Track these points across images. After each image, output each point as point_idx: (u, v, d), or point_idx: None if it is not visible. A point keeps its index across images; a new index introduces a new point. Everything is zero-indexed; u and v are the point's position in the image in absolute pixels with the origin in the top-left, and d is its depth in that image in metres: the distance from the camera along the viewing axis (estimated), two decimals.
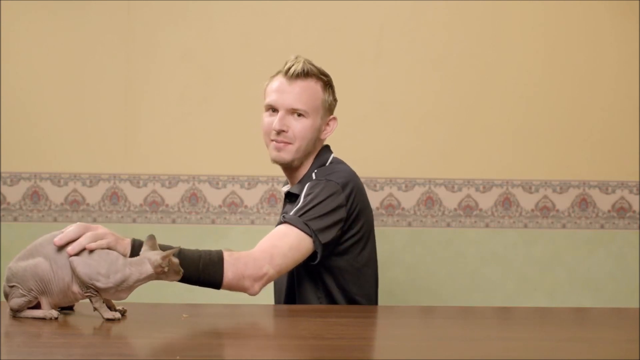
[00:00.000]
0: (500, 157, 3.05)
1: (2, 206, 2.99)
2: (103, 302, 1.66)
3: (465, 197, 3.04)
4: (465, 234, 3.04)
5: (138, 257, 1.66)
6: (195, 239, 2.97)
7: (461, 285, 3.04)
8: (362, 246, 2.12)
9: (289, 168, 2.18)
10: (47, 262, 1.65)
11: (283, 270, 1.94)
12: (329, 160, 2.18)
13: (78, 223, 1.70)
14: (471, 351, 1.50)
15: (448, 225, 3.04)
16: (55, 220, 3.00)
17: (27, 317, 1.66)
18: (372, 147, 3.02)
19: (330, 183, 2.05)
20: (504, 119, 3.04)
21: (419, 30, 3.03)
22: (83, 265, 1.63)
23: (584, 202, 3.06)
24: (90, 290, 1.63)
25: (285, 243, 1.94)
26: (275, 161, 2.16)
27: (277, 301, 2.25)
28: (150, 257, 1.65)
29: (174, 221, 3.02)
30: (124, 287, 1.65)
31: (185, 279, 1.80)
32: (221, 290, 1.87)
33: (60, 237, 1.66)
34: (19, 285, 1.65)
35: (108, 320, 1.65)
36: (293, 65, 2.13)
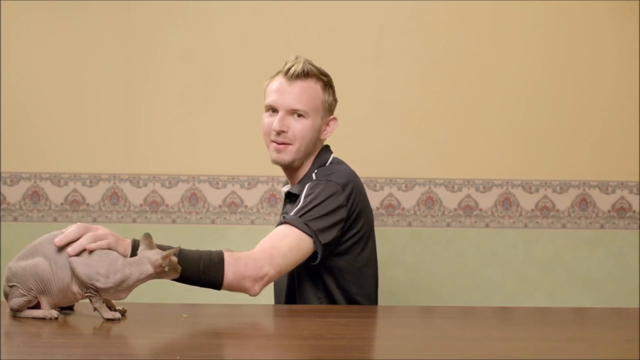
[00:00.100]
0: (500, 157, 3.05)
1: (2, 206, 2.99)
2: (103, 302, 1.66)
3: (465, 197, 3.04)
4: (465, 234, 3.04)
5: (137, 257, 1.66)
6: (195, 239, 2.97)
7: (461, 285, 3.04)
8: (362, 246, 2.12)
9: (289, 168, 2.18)
10: (47, 262, 1.65)
11: (283, 270, 1.94)
12: (329, 161, 2.18)
13: (78, 224, 1.70)
14: (471, 351, 1.50)
15: (448, 225, 3.04)
16: (55, 220, 3.00)
17: (27, 317, 1.66)
18: (372, 147, 3.02)
19: (331, 183, 2.05)
20: (504, 119, 3.04)
21: (419, 30, 3.03)
22: (83, 265, 1.63)
23: (584, 202, 3.06)
24: (90, 290, 1.63)
25: (285, 243, 1.94)
26: (275, 162, 2.16)
27: (277, 301, 2.25)
28: (150, 257, 1.65)
29: (174, 221, 3.02)
30: (124, 287, 1.65)
31: (185, 280, 1.80)
32: (221, 291, 1.87)
33: (60, 238, 1.65)
34: (18, 285, 1.65)
35: (108, 320, 1.65)
36: (293, 65, 2.13)
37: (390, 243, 3.02)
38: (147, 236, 1.69)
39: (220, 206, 3.03)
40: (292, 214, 2.01)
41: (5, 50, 2.99)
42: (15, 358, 1.36)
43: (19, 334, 1.57)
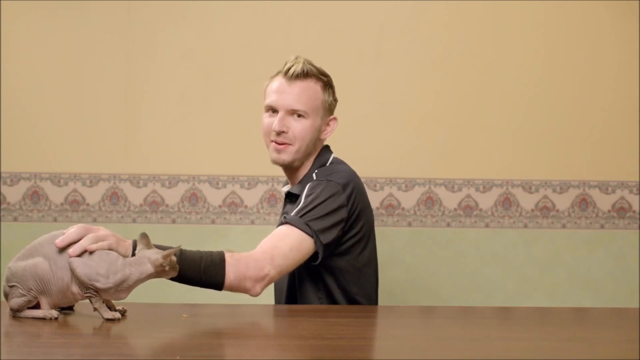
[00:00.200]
0: (500, 157, 3.05)
1: (2, 206, 2.99)
2: (103, 302, 1.66)
3: (465, 197, 3.04)
4: (465, 234, 3.04)
5: (136, 256, 1.66)
6: (195, 239, 2.97)
7: (461, 285, 3.04)
8: (362, 246, 2.12)
9: (290, 168, 2.18)
10: (47, 262, 1.65)
11: (284, 271, 1.94)
12: (330, 161, 2.18)
13: (79, 225, 1.69)
14: (471, 351, 1.50)
15: (448, 225, 3.04)
16: (55, 220, 3.00)
17: (27, 317, 1.66)
18: (372, 147, 3.02)
19: (331, 183, 2.05)
20: (504, 119, 3.04)
21: (419, 30, 3.03)
22: (83, 266, 1.63)
23: (584, 202, 3.06)
24: (90, 290, 1.63)
25: (286, 244, 1.94)
26: (275, 163, 2.16)
27: (277, 301, 2.25)
28: (150, 257, 1.65)
29: (174, 221, 3.02)
30: (124, 287, 1.65)
31: (186, 281, 1.80)
32: (222, 291, 1.87)
33: (61, 239, 1.65)
34: (18, 285, 1.65)
35: (108, 320, 1.65)
36: (293, 65, 2.13)
37: (390, 243, 3.02)
38: (144, 236, 1.69)
39: (220, 206, 3.03)
40: (292, 214, 2.01)
41: (5, 50, 2.99)
42: (15, 358, 1.36)
43: (19, 334, 1.57)
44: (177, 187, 3.02)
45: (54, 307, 1.67)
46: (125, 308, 1.72)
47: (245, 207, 3.03)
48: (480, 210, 3.05)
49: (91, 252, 1.65)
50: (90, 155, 3.01)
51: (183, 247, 1.79)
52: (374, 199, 3.00)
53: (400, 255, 3.03)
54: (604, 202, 3.06)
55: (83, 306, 1.75)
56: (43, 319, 1.65)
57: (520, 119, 3.04)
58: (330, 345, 1.51)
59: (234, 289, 1.86)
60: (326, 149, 2.22)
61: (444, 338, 1.64)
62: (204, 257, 1.82)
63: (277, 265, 1.90)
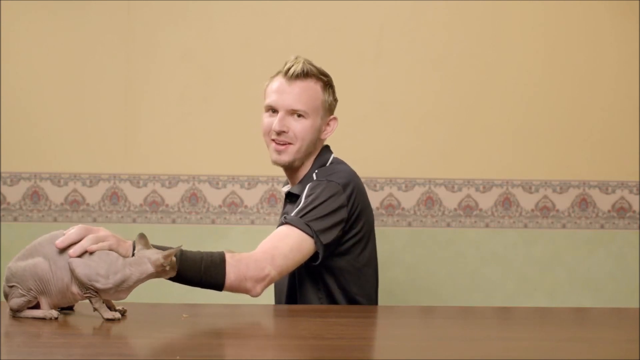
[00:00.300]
0: (500, 157, 3.05)
1: (2, 206, 2.99)
2: (103, 302, 1.66)
3: (465, 197, 3.04)
4: (465, 234, 3.04)
5: (136, 257, 1.66)
6: (195, 239, 2.97)
7: (461, 285, 3.04)
8: (362, 246, 2.12)
9: (290, 168, 2.18)
10: (47, 262, 1.65)
11: (285, 271, 1.94)
12: (330, 161, 2.18)
13: (80, 225, 1.69)
14: (471, 351, 1.50)
15: (448, 225, 3.04)
16: (55, 220, 3.00)
17: (27, 317, 1.66)
18: (372, 147, 3.02)
19: (332, 184, 2.05)
20: (504, 119, 3.04)
21: (419, 30, 3.03)
22: (82, 266, 1.62)
23: (584, 202, 3.06)
24: (90, 291, 1.63)
25: (286, 244, 1.94)
26: (276, 163, 2.16)
27: (277, 302, 2.25)
28: (150, 257, 1.65)
29: (174, 221, 3.02)
30: (124, 288, 1.65)
31: (187, 281, 1.80)
32: (222, 292, 1.87)
33: (62, 240, 1.65)
34: (18, 285, 1.65)
35: (108, 320, 1.65)
36: (293, 65, 2.12)
37: (390, 243, 3.02)
38: (143, 236, 1.69)
39: (220, 206, 3.03)
40: (293, 214, 2.01)
41: (5, 50, 2.99)
42: (15, 358, 1.36)
43: (19, 334, 1.57)
44: (177, 187, 3.02)
45: (53, 307, 1.67)
46: (125, 308, 1.72)
47: (245, 207, 3.03)
48: (480, 210, 3.05)
49: (91, 253, 1.65)
50: (90, 155, 3.01)
51: (183, 248, 1.79)
52: (374, 199, 3.00)
53: (400, 255, 3.03)
54: (604, 202, 3.06)
55: (83, 306, 1.75)
56: (43, 319, 1.65)
57: (520, 119, 3.04)
58: (330, 345, 1.51)
59: (234, 289, 1.86)
60: (326, 149, 2.22)
61: (444, 338, 1.64)
62: (205, 257, 1.82)
63: (277, 266, 1.90)
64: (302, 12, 3.02)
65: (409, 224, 3.04)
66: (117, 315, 1.67)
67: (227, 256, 1.84)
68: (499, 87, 3.04)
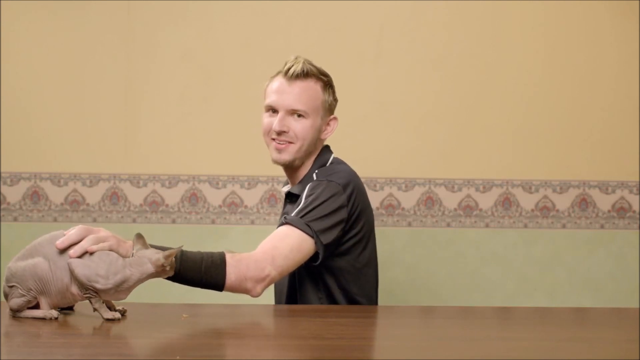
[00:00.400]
0: (500, 157, 3.05)
1: (2, 206, 2.99)
2: (103, 303, 1.66)
3: (465, 197, 3.04)
4: (465, 234, 3.04)
5: (136, 257, 1.66)
6: (195, 239, 2.97)
7: (461, 285, 3.04)
8: (363, 246, 2.12)
9: (290, 168, 2.18)
10: (47, 262, 1.65)
11: (285, 271, 1.94)
12: (330, 161, 2.18)
13: (80, 226, 1.69)
14: (471, 351, 1.50)
15: (448, 225, 3.04)
16: (55, 220, 3.00)
17: (27, 317, 1.66)
18: (372, 147, 3.02)
19: (332, 184, 2.05)
20: (504, 119, 3.04)
21: (419, 30, 3.03)
22: (82, 267, 1.62)
23: (584, 202, 3.06)
24: (89, 291, 1.63)
25: (286, 244, 1.94)
26: (276, 162, 2.16)
27: (277, 302, 2.24)
28: (151, 257, 1.65)
29: (174, 221, 3.02)
30: (124, 288, 1.65)
31: (187, 282, 1.80)
32: (222, 292, 1.87)
33: (62, 240, 1.65)
34: (18, 285, 1.65)
35: (108, 320, 1.65)
36: (293, 65, 2.12)
37: (390, 243, 3.02)
38: (140, 236, 1.69)
39: (220, 206, 3.03)
40: (293, 214, 2.01)
41: (5, 50, 2.99)
42: (15, 358, 1.36)
43: (19, 334, 1.57)
44: (177, 187, 3.02)
45: (53, 307, 1.67)
46: (125, 308, 1.72)
47: (245, 207, 3.03)
48: (480, 210, 3.05)
49: (91, 253, 1.65)
50: (90, 155, 3.01)
51: (183, 248, 1.79)
52: (374, 199, 3.00)
53: (400, 255, 3.03)
54: (604, 202, 3.06)
55: (83, 306, 1.75)
56: (43, 319, 1.64)
57: (520, 119, 3.04)
58: (330, 345, 1.51)
59: (234, 289, 1.86)
60: (326, 149, 2.22)
61: (444, 338, 1.64)
62: (205, 258, 1.82)
63: (277, 266, 1.90)
64: (302, 12, 3.02)
65: (409, 224, 3.04)
66: (117, 315, 1.67)
67: (228, 256, 1.84)
68: (499, 87, 3.04)
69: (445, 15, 3.03)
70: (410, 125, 3.04)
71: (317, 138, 2.16)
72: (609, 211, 3.06)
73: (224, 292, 1.88)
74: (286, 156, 2.13)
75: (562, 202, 3.05)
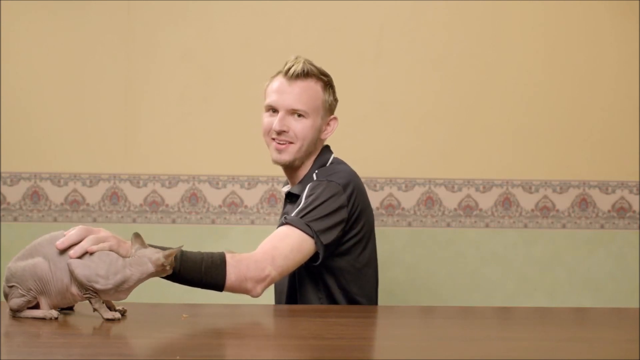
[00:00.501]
0: (500, 157, 3.05)
1: (2, 206, 2.99)
2: (102, 303, 1.66)
3: (465, 197, 3.04)
4: (465, 234, 3.04)
5: (136, 256, 1.66)
6: (195, 239, 2.97)
7: (461, 285, 3.04)
8: (363, 246, 2.12)
9: (290, 168, 2.18)
10: (46, 262, 1.65)
11: (285, 271, 1.94)
12: (330, 161, 2.18)
13: (80, 226, 1.69)
14: (471, 351, 1.50)
15: (448, 225, 3.04)
16: (55, 220, 3.00)
17: (27, 317, 1.66)
18: (372, 147, 3.02)
19: (332, 184, 2.05)
20: (504, 119, 3.04)
21: (419, 30, 3.03)
22: (82, 267, 1.62)
23: (584, 202, 3.06)
24: (89, 292, 1.63)
25: (286, 244, 1.94)
26: (276, 162, 2.16)
27: (277, 302, 2.24)
28: (151, 257, 1.65)
29: (174, 221, 3.02)
30: (124, 288, 1.65)
31: (187, 282, 1.80)
32: (222, 292, 1.87)
33: (62, 241, 1.65)
34: (18, 285, 1.65)
35: (108, 320, 1.65)
36: (293, 65, 2.12)
37: (390, 243, 3.02)
38: (138, 235, 1.69)
39: (220, 206, 3.03)
40: (293, 214, 2.01)
41: (5, 50, 2.99)
42: (15, 358, 1.36)
43: (19, 334, 1.57)
44: (177, 187, 3.02)
45: (53, 307, 1.67)
46: (125, 308, 1.72)
47: (245, 207, 3.03)
48: (480, 210, 3.05)
49: (91, 254, 1.65)
50: (90, 155, 3.01)
51: (183, 248, 1.79)
52: (374, 199, 3.00)
53: (400, 255, 3.03)
54: (604, 202, 3.06)
55: (83, 306, 1.75)
56: (43, 319, 1.64)
57: (520, 119, 3.04)
58: (330, 345, 1.51)
59: (234, 290, 1.86)
60: (326, 149, 2.22)
61: (444, 338, 1.64)
62: (205, 258, 1.82)
63: (278, 266, 1.90)
64: (302, 12, 3.02)
65: (409, 224, 3.04)
66: (117, 315, 1.67)
67: (228, 257, 1.84)
68: (499, 87, 3.04)
69: (445, 15, 3.03)
70: (410, 125, 3.04)
71: (317, 138, 2.16)
72: (609, 211, 3.06)
73: (224, 292, 1.88)
74: (286, 157, 2.13)
75: (562, 202, 3.05)
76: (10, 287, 1.66)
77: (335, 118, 2.21)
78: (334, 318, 1.82)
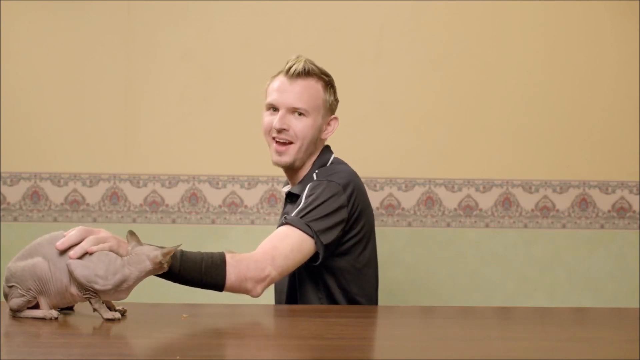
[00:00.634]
0: (500, 157, 3.05)
1: (2, 206, 2.99)
2: (102, 303, 1.66)
3: (465, 197, 3.04)
4: (465, 234, 3.04)
5: (133, 255, 1.65)
6: (195, 239, 2.97)
7: (461, 285, 3.04)
8: (363, 246, 2.12)
9: (290, 168, 2.17)
10: (46, 262, 1.65)
11: (285, 271, 1.94)
12: (330, 161, 2.18)
13: (80, 227, 1.69)
14: (471, 351, 1.50)
15: (448, 225, 3.04)
16: (55, 220, 3.00)
17: (27, 317, 1.66)
18: (372, 147, 3.02)
19: (332, 184, 2.05)
20: (504, 119, 3.04)
21: (419, 30, 3.03)
22: (81, 267, 1.62)
23: (584, 202, 3.06)
24: (89, 292, 1.63)
25: (286, 244, 1.94)
26: (277, 164, 2.16)
27: (277, 302, 2.24)
28: (149, 254, 1.65)
29: (174, 221, 3.02)
30: (124, 288, 1.64)
31: (187, 282, 1.80)
32: (222, 292, 1.87)
33: (62, 242, 1.65)
34: (17, 285, 1.65)
35: (108, 320, 1.65)
36: (294, 64, 2.12)
37: (390, 243, 3.02)
38: (133, 233, 1.69)
39: (220, 206, 3.03)
40: (293, 214, 2.01)
41: (5, 50, 2.99)
42: (15, 358, 1.36)
43: (19, 334, 1.57)
44: (177, 187, 3.02)
45: (53, 307, 1.67)
46: (125, 308, 1.72)
47: (245, 207, 3.03)
48: (480, 210, 3.05)
49: (91, 254, 1.65)
50: (90, 155, 3.01)
51: (183, 248, 1.79)
52: (374, 199, 3.00)
53: (400, 255, 3.03)
54: (604, 202, 3.06)
55: (83, 306, 1.75)
56: (43, 319, 1.64)
57: (520, 119, 3.04)
58: (330, 345, 1.51)
59: (234, 290, 1.86)
60: (327, 149, 2.22)
61: (444, 338, 1.64)
62: (205, 258, 1.82)
63: (278, 266, 1.90)
64: (302, 12, 3.02)
65: (409, 224, 3.04)
66: (117, 315, 1.67)
67: (228, 257, 1.84)
68: (499, 87, 3.04)
69: (445, 15, 3.03)
70: (410, 125, 3.04)
71: (318, 137, 2.16)
72: (609, 211, 3.06)
73: (224, 293, 1.88)
74: (287, 158, 2.13)
75: (562, 202, 3.05)
76: (10, 287, 1.66)
77: (335, 118, 2.21)
78: (334, 318, 1.82)
